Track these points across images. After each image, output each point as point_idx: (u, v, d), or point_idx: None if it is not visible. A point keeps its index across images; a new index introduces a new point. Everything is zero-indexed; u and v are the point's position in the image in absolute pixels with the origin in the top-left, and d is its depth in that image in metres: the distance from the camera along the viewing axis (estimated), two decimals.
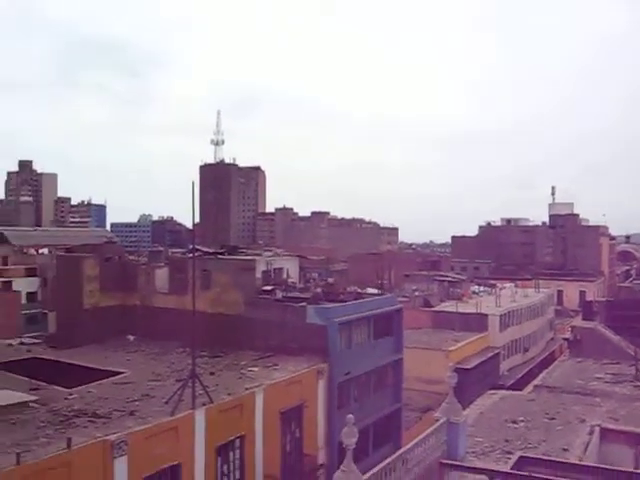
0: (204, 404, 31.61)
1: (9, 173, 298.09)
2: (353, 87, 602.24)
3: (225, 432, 32.52)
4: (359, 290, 54.21)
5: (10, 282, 71.55)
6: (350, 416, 22.75)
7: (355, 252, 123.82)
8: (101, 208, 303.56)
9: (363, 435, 24.03)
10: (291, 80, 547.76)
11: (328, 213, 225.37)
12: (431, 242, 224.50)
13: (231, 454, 33.31)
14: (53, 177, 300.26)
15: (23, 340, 53.55)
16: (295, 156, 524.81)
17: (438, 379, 54.34)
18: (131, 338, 49.45)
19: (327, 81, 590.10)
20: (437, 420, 29.07)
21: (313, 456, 39.27)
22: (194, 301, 32.38)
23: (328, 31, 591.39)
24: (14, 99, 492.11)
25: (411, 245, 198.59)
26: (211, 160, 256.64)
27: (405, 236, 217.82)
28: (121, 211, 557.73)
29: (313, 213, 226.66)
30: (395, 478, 24.52)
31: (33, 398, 32.89)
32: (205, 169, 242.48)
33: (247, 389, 35.07)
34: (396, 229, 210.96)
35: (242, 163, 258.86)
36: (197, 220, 36.27)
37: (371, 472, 23.41)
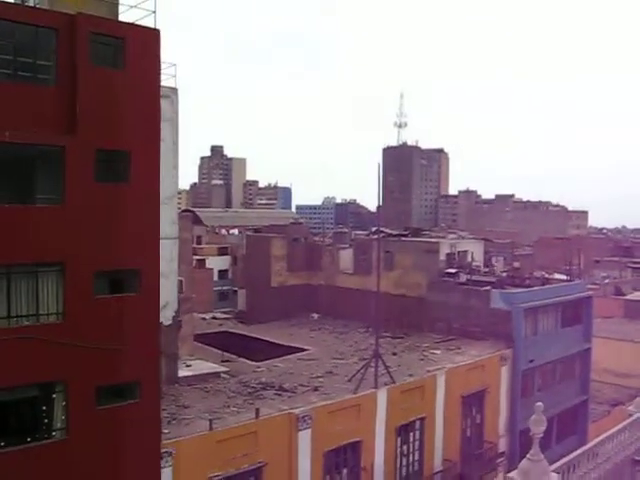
0: (386, 384, 31.82)
1: (202, 158, 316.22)
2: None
3: (406, 413, 32.57)
4: (546, 275, 52.05)
5: (204, 260, 75.92)
6: (539, 404, 22.01)
7: (541, 236, 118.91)
8: (287, 190, 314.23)
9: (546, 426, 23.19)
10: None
11: (513, 196, 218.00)
12: (623, 227, 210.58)
13: (411, 435, 33.35)
14: (242, 161, 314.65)
15: (215, 315, 56.83)
16: (483, 142, 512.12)
17: (630, 372, 51.09)
18: (315, 316, 50.82)
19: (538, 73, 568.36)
20: (630, 415, 27.41)
21: (494, 443, 38.42)
22: (378, 282, 32.58)
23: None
24: None
25: (601, 230, 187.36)
26: (394, 143, 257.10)
27: (595, 220, 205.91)
28: (306, 193, 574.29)
29: (497, 196, 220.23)
30: (582, 472, 23.41)
31: (224, 369, 34.78)
32: (388, 152, 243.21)
33: (429, 371, 34.91)
34: (585, 213, 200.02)
35: (425, 145, 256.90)
36: (380, 202, 36.40)
37: (557, 463, 22.52)
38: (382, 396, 31.18)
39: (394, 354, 38.24)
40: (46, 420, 20.82)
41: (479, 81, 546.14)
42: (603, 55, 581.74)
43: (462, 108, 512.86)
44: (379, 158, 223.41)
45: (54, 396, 20.92)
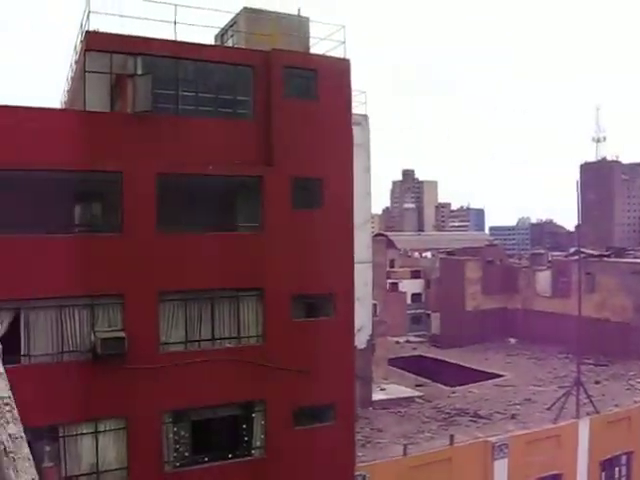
0: (588, 414, 29.96)
1: (394, 182, 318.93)
2: None
3: (611, 446, 30.37)
4: None
5: (396, 283, 76.20)
6: None
7: None
8: (479, 212, 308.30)
9: None
10: None
11: None
12: None
13: (617, 470, 31.08)
14: (433, 184, 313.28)
15: (409, 338, 56.69)
16: None
17: None
18: (512, 341, 49.13)
19: None
20: None
21: None
22: (579, 305, 30.88)
23: None
24: None
25: None
26: (592, 158, 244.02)
27: None
28: (499, 214, 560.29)
29: None
30: None
31: (418, 394, 34.47)
32: (586, 167, 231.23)
33: (636, 402, 32.39)
34: None
35: (625, 159, 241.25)
36: (579, 221, 34.62)
37: None
38: (584, 427, 29.33)
39: (597, 382, 35.96)
40: (246, 438, 21.73)
41: None
42: None
43: None
44: (576, 175, 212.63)
45: (254, 415, 21.80)
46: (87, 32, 20.45)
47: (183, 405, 20.54)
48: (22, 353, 18.66)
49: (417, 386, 36.60)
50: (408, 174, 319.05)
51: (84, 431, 19.51)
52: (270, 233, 21.59)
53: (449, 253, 66.95)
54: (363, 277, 29.16)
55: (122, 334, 19.29)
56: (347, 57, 23.55)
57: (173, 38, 21.11)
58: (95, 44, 20.48)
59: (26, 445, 3.68)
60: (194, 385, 20.27)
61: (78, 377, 19.00)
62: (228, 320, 21.30)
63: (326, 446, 22.25)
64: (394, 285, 73.58)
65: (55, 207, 19.82)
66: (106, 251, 19.53)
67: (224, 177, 21.07)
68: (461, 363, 43.14)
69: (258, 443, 21.79)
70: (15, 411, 4.04)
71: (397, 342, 52.42)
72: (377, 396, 33.49)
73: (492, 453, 26.39)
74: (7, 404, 4.14)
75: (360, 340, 29.26)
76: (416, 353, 48.84)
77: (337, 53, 23.76)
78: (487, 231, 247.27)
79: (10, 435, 3.72)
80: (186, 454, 20.82)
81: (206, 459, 20.90)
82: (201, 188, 20.98)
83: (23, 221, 18.95)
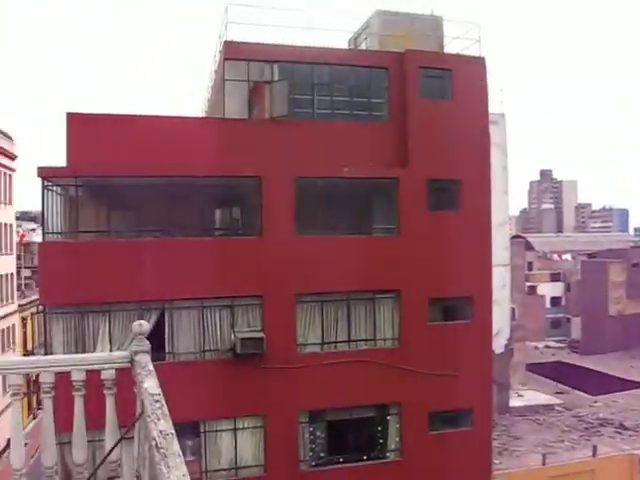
0: None
1: (531, 182, 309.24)
2: None
3: None
4: None
5: (535, 287, 73.75)
6: None
7: None
8: (623, 212, 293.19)
9: None
10: None
11: None
12: None
13: None
14: (573, 184, 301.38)
15: (548, 343, 54.76)
16: None
17: None
18: None
19: None
20: None
21: None
22: None
23: None
24: None
25: None
26: None
27: None
28: None
29: None
30: None
31: (558, 401, 33.23)
32: None
33: None
34: None
35: None
36: None
37: None
38: None
39: None
40: (381, 440, 21.69)
41: None
42: None
43: None
44: None
45: (389, 418, 21.75)
46: (225, 42, 21.19)
47: (319, 405, 20.79)
48: (167, 351, 19.55)
49: (556, 393, 35.28)
50: (546, 174, 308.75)
51: (223, 428, 20.19)
52: (406, 235, 21.46)
53: (591, 255, 64.12)
54: (501, 280, 28.46)
55: (261, 334, 19.80)
56: (482, 55, 23.08)
57: (307, 44, 21.46)
58: (233, 53, 21.21)
59: (176, 442, 3.76)
60: (330, 386, 20.46)
61: (218, 375, 19.66)
62: (364, 322, 21.38)
63: (462, 452, 21.82)
64: (532, 288, 71.17)
65: (197, 211, 20.60)
66: (246, 253, 20.11)
67: (360, 179, 21.15)
68: (604, 370, 41.13)
69: (393, 446, 21.71)
70: (165, 408, 4.17)
71: (535, 347, 50.81)
72: (514, 402, 32.59)
73: (639, 467, 24.99)
74: (157, 401, 4.30)
75: (497, 344, 28.53)
76: (555, 359, 47.07)
77: (473, 52, 23.33)
78: (632, 232, 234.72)
79: (161, 431, 3.83)
80: (321, 454, 21.07)
81: (341, 460, 21.05)
82: (337, 190, 21.15)
83: (166, 224, 19.84)
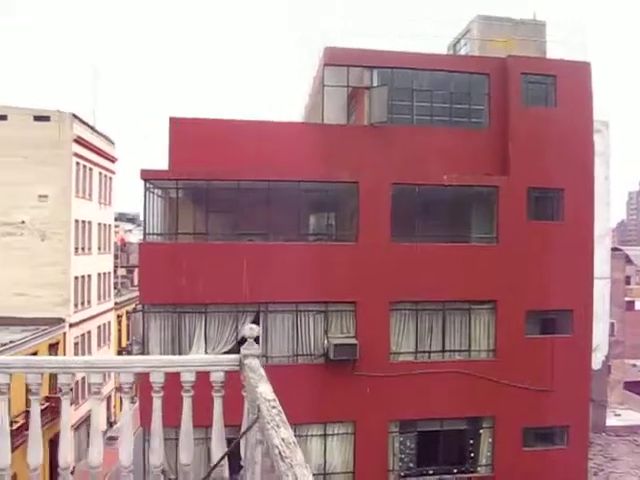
0: None
1: (630, 193, 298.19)
2: None
3: None
4: None
5: (633, 302, 70.83)
6: None
7: None
8: None
9: None
10: None
11: None
12: None
13: None
14: None
15: None
16: None
17: None
18: None
19: None
20: None
21: None
22: None
23: None
24: None
25: None
26: None
27: None
28: None
29: None
30: None
31: None
32: None
33: None
34: None
35: None
36: None
37: None
38: None
39: None
40: (472, 454, 21.24)
41: None
42: None
43: None
44: None
45: (481, 432, 21.28)
46: (326, 48, 21.30)
47: (410, 415, 20.56)
48: (262, 354, 19.71)
49: None
50: None
51: (314, 433, 20.20)
52: (505, 244, 20.97)
53: None
54: (600, 294, 27.45)
55: (354, 341, 19.74)
56: (587, 60, 22.34)
57: (406, 49, 21.34)
58: (333, 59, 21.29)
59: (300, 450, 3.61)
60: (422, 396, 20.18)
61: (310, 380, 19.67)
62: (459, 333, 21.00)
63: (556, 471, 21.09)
64: (631, 303, 68.36)
65: (292, 216, 20.72)
66: (341, 259, 20.11)
67: (458, 187, 20.80)
68: None
69: (484, 460, 21.22)
70: (283, 415, 4.06)
71: (634, 365, 48.72)
72: (611, 422, 31.36)
73: None
74: (274, 407, 4.19)
75: (595, 360, 27.49)
76: None
77: (577, 56, 22.59)
78: None
79: (283, 439, 3.67)
80: (410, 464, 20.82)
81: (430, 472, 20.73)
82: (434, 197, 20.88)
83: (262, 228, 20.06)
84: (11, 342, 30.36)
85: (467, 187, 21.01)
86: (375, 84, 21.34)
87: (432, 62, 21.77)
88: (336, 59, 21.25)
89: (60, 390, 5.53)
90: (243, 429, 5.09)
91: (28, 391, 5.46)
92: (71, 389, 5.63)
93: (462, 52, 24.85)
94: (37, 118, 37.35)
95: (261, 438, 4.35)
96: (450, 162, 20.83)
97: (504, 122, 21.46)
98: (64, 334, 37.64)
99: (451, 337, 20.94)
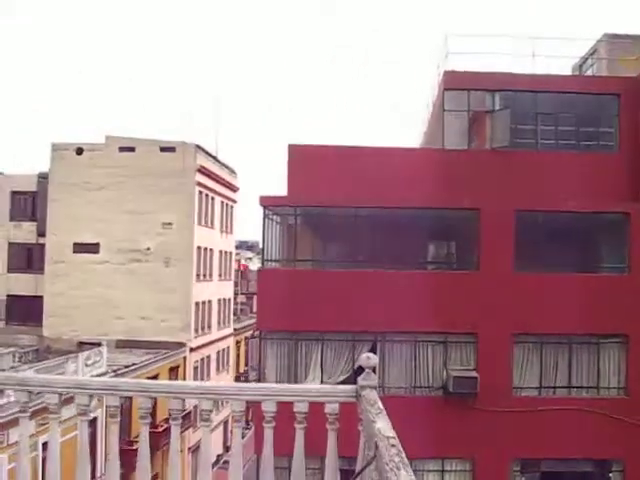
0: None
1: None
2: None
3: None
4: None
5: None
6: None
7: None
8: None
9: None
10: None
11: None
12: None
13: None
14: None
15: None
16: None
17: None
18: None
19: None
20: None
21: None
22: None
23: None
24: None
25: None
26: None
27: None
28: None
29: None
30: None
31: None
32: None
33: None
34: None
35: None
36: None
37: None
38: None
39: None
40: None
41: None
42: None
43: None
44: None
45: (610, 475, 19.90)
46: (445, 72, 20.86)
47: (532, 454, 19.48)
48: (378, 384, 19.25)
49: None
50: None
51: (431, 468, 19.49)
52: (637, 274, 19.65)
53: None
54: None
55: (474, 374, 18.96)
56: None
57: (529, 71, 20.61)
58: (453, 83, 20.82)
59: None
60: (546, 434, 19.01)
61: (428, 413, 19.00)
62: (586, 368, 19.78)
63: None
64: None
65: (410, 243, 20.28)
66: (462, 289, 19.44)
67: (585, 214, 19.73)
68: None
69: None
70: (403, 455, 3.63)
71: None
72: None
73: None
74: (393, 445, 3.78)
75: None
76: None
77: None
78: None
79: None
80: None
81: None
82: (560, 225, 19.89)
83: (380, 256, 19.69)
84: (134, 364, 31.21)
85: (595, 214, 19.90)
86: (497, 107, 20.67)
87: (557, 84, 20.88)
88: (456, 83, 20.77)
89: (170, 415, 5.46)
90: (358, 466, 4.82)
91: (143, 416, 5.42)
92: (183, 416, 5.56)
93: (589, 72, 23.79)
94: (163, 149, 38.68)
95: (378, 479, 3.94)
96: (577, 187, 19.79)
97: (636, 145, 20.26)
98: (184, 358, 38.50)
99: (578, 372, 19.73)
